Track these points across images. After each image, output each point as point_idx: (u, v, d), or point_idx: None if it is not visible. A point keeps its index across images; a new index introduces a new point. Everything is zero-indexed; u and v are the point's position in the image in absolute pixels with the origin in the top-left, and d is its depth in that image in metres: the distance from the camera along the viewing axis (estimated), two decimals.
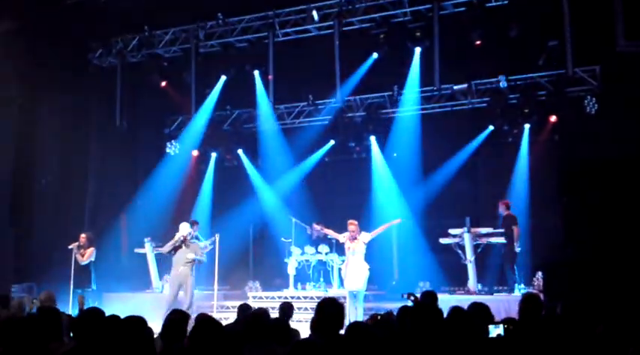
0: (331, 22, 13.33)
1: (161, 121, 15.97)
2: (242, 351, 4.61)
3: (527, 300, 5.49)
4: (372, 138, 14.57)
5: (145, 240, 13.67)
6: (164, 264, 13.96)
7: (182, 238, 11.12)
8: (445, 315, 5.07)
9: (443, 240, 12.08)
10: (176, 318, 5.19)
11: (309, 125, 15.15)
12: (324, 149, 15.15)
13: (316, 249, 13.89)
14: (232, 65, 14.55)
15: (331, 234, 11.80)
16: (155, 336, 4.71)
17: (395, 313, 6.07)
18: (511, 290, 11.69)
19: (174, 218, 14.58)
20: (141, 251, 13.80)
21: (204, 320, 4.59)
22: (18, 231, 13.91)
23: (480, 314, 5.24)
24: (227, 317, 11.07)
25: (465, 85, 13.43)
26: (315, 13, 13.39)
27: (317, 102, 14.68)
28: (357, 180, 14.94)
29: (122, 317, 4.70)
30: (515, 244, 11.78)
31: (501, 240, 11.74)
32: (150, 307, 11.52)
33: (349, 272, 10.75)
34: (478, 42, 12.34)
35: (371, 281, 11.31)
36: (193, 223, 13.53)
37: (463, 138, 14.02)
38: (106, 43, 15.05)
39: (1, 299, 8.26)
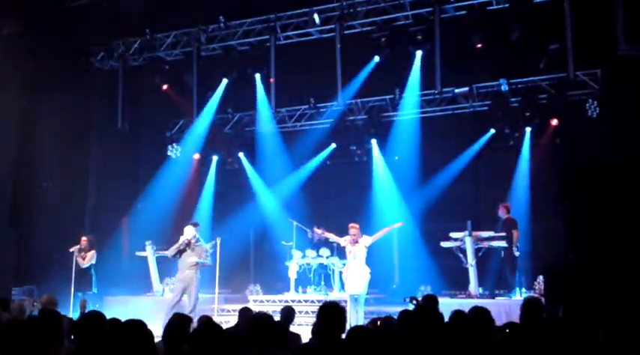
0: (333, 26, 13.34)
1: (162, 124, 15.97)
2: None
3: (528, 304, 5.48)
4: (374, 142, 14.56)
5: (146, 243, 13.67)
6: (165, 267, 13.97)
7: (186, 241, 11.13)
8: (446, 319, 5.05)
9: (444, 244, 12.07)
10: (178, 321, 5.19)
11: (311, 128, 15.14)
12: (326, 152, 15.14)
13: (317, 252, 13.88)
14: (234, 68, 14.57)
15: (332, 237, 11.80)
16: (157, 340, 4.70)
17: (395, 317, 6.07)
18: (511, 294, 11.68)
19: (175, 221, 14.59)
20: (142, 254, 13.80)
21: (205, 323, 4.58)
22: (19, 233, 13.93)
23: (481, 318, 5.22)
24: (228, 320, 11.05)
25: (466, 88, 13.42)
26: (316, 17, 13.41)
27: (318, 105, 14.68)
28: (358, 184, 14.93)
29: (123, 320, 4.70)
30: (514, 248, 11.77)
31: (502, 243, 11.73)
32: (151, 310, 11.52)
33: (350, 276, 10.74)
34: (479, 45, 12.34)
35: (372, 285, 11.29)
36: (194, 225, 13.55)
37: (464, 142, 14.01)
38: (107, 46, 15.08)
39: (1, 302, 8.24)
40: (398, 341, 4.85)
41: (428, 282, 12.94)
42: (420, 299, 7.88)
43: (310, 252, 13.97)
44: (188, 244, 11.15)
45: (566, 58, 11.83)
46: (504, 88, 12.96)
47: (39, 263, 13.79)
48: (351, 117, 14.62)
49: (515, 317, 6.38)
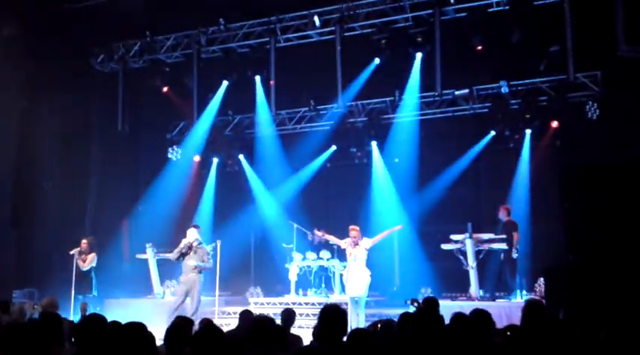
0: (333, 28, 13.34)
1: (163, 126, 15.97)
2: None
3: (529, 307, 5.48)
4: (374, 144, 14.55)
5: (147, 245, 13.67)
6: (166, 269, 13.97)
7: (189, 244, 11.14)
8: (447, 322, 5.05)
9: (444, 246, 12.06)
10: (180, 324, 5.19)
11: (311, 130, 15.14)
12: (326, 155, 15.13)
13: (318, 254, 13.88)
14: (234, 70, 14.58)
15: (333, 239, 11.80)
16: (159, 343, 4.70)
17: (396, 320, 6.06)
18: (511, 296, 11.66)
19: (176, 223, 14.60)
20: (142, 256, 13.79)
21: (206, 326, 4.58)
22: (19, 236, 13.94)
23: (482, 320, 5.22)
24: (228, 323, 11.05)
25: (467, 91, 13.41)
26: (316, 19, 13.42)
27: (319, 107, 14.68)
28: (358, 186, 14.92)
29: (123, 323, 4.70)
30: (513, 250, 11.77)
31: (503, 246, 11.71)
32: (151, 313, 11.51)
33: (350, 278, 10.73)
34: (479, 47, 12.34)
35: (372, 288, 11.28)
36: (194, 227, 13.55)
37: (464, 144, 14.00)
38: (108, 48, 15.09)
39: (1, 304, 8.24)
40: (399, 344, 4.85)
41: (429, 284, 12.93)
42: (420, 301, 7.87)
43: (311, 255, 13.97)
44: (190, 247, 11.15)
45: (566, 60, 11.84)
46: (504, 89, 12.95)
47: (39, 265, 13.80)
48: (351, 120, 14.61)
49: (516, 320, 6.38)
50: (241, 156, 15.69)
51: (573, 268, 9.85)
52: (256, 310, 10.87)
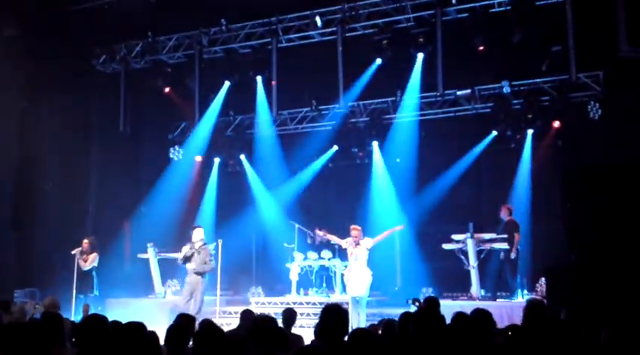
0: (334, 28, 13.36)
1: (164, 127, 15.99)
2: None
3: (531, 306, 5.47)
4: (375, 144, 14.55)
5: (148, 245, 13.68)
6: (167, 269, 13.98)
7: (191, 251, 11.18)
8: (448, 321, 5.04)
9: (446, 246, 12.05)
10: (181, 324, 5.19)
11: (313, 131, 15.14)
12: (328, 155, 15.13)
13: (319, 254, 13.88)
14: (236, 71, 14.59)
15: (334, 239, 11.81)
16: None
17: (396, 319, 6.06)
18: (512, 296, 11.65)
19: (177, 223, 14.63)
20: (144, 256, 13.81)
21: (207, 326, 4.58)
22: (20, 236, 13.95)
23: (483, 320, 5.21)
24: (229, 322, 11.06)
25: (468, 91, 13.41)
26: (318, 19, 13.42)
27: (320, 107, 14.68)
28: (359, 186, 14.91)
29: (124, 322, 4.70)
30: (513, 250, 11.75)
31: (504, 245, 11.71)
32: (153, 312, 11.52)
33: (352, 278, 10.74)
34: (481, 47, 12.34)
35: (374, 287, 11.28)
36: (196, 228, 13.56)
37: (466, 144, 13.99)
38: (109, 49, 15.10)
39: (2, 304, 8.24)
40: (399, 343, 4.84)
41: (430, 284, 12.93)
42: (421, 301, 7.87)
43: (312, 254, 13.97)
44: (193, 253, 11.26)
45: (568, 60, 11.84)
46: (506, 90, 12.95)
47: (40, 265, 13.81)
48: (353, 120, 14.61)
49: (517, 320, 6.37)
50: (243, 157, 15.70)
51: (575, 268, 9.84)
52: (257, 310, 10.86)
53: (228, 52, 14.41)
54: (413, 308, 7.83)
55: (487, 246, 11.83)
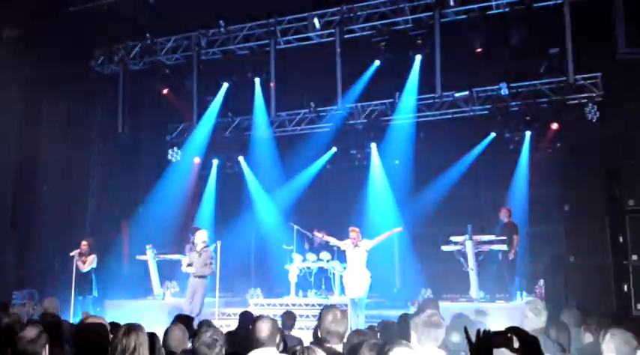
0: (332, 30, 13.35)
1: (163, 128, 15.99)
2: None
3: (530, 308, 5.45)
4: (373, 146, 14.56)
5: (147, 246, 13.66)
6: (166, 270, 13.98)
7: (194, 253, 11.27)
8: (447, 323, 5.03)
9: (445, 248, 12.06)
10: (178, 325, 5.19)
11: (311, 132, 15.15)
12: (326, 156, 15.14)
13: (318, 256, 13.88)
14: (234, 72, 14.59)
15: (332, 241, 11.81)
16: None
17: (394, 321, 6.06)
18: (510, 299, 11.66)
19: (176, 225, 14.63)
20: (142, 258, 13.79)
21: (206, 327, 4.58)
22: (19, 237, 13.92)
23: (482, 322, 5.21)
24: (228, 324, 11.06)
25: (467, 93, 13.42)
26: (316, 21, 13.43)
27: (318, 109, 14.69)
28: (358, 188, 14.92)
29: (123, 324, 4.69)
30: (511, 253, 11.76)
31: (503, 247, 11.72)
32: (151, 314, 11.51)
33: (350, 280, 10.74)
34: (479, 49, 12.35)
35: (373, 289, 11.30)
36: (195, 230, 13.56)
37: (464, 146, 14.01)
38: (107, 50, 15.09)
39: (0, 306, 8.24)
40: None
41: (429, 286, 12.94)
42: (420, 302, 7.87)
43: (310, 256, 13.97)
44: (196, 250, 11.29)
45: (566, 62, 11.84)
46: (504, 92, 12.96)
47: (39, 266, 13.78)
48: (351, 122, 14.63)
49: (516, 321, 6.37)
50: (241, 158, 15.70)
51: (573, 270, 9.87)
52: (256, 311, 10.87)
53: (226, 54, 14.41)
54: (412, 310, 7.83)
55: (486, 247, 11.84)
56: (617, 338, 4.20)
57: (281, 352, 4.72)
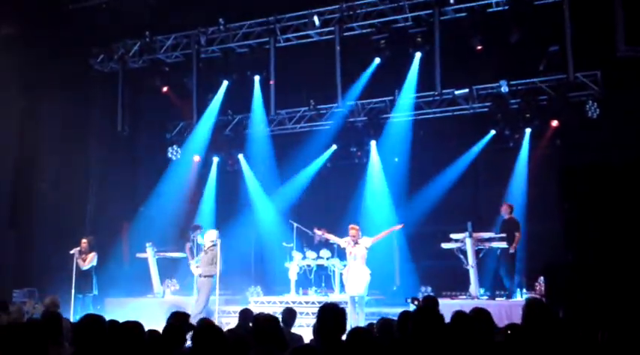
0: (332, 28, 13.36)
1: (162, 126, 15.97)
2: None
3: (530, 306, 5.46)
4: (373, 143, 14.56)
5: (147, 244, 13.66)
6: (166, 269, 13.98)
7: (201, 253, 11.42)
8: (447, 320, 5.05)
9: (445, 245, 12.06)
10: (176, 323, 5.20)
11: (311, 130, 15.14)
12: (327, 154, 15.13)
13: (318, 253, 13.88)
14: (234, 70, 14.59)
15: (333, 238, 11.82)
16: None
17: (394, 318, 6.06)
18: (512, 296, 11.66)
19: (176, 223, 14.63)
20: (142, 256, 13.80)
21: (205, 326, 4.59)
22: (19, 235, 13.93)
23: (482, 319, 5.22)
24: (228, 322, 11.06)
25: (466, 90, 13.42)
26: (316, 19, 13.42)
27: (318, 107, 14.69)
28: (358, 185, 14.92)
29: (122, 322, 4.70)
30: (511, 249, 11.75)
31: (503, 244, 11.71)
32: (152, 312, 11.51)
33: (350, 277, 10.75)
34: (479, 47, 12.35)
35: (372, 286, 11.30)
36: (196, 227, 13.59)
37: (464, 143, 14.01)
38: (107, 48, 15.09)
39: (0, 304, 8.24)
40: (398, 343, 4.84)
41: (428, 283, 12.94)
42: (420, 300, 7.88)
43: (311, 254, 13.97)
44: (205, 250, 11.38)
45: (566, 60, 11.85)
46: (504, 89, 12.96)
47: (39, 265, 13.80)
48: (351, 119, 14.62)
49: (516, 319, 6.38)
50: (241, 156, 15.70)
51: (573, 267, 9.85)
52: (256, 309, 10.87)
53: (225, 52, 14.41)
54: (412, 307, 7.83)
55: (486, 245, 11.84)
56: None
57: (281, 350, 4.72)
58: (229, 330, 5.65)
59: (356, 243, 10.74)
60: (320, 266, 13.94)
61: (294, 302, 12.68)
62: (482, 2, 12.29)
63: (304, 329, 8.74)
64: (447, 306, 7.60)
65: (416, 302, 7.51)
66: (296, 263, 13.85)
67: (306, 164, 15.29)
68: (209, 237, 11.49)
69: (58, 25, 13.86)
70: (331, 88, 13.42)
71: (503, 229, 11.98)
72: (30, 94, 14.07)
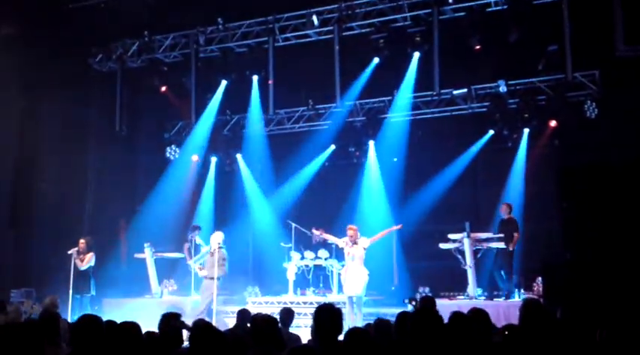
0: (331, 27, 13.35)
1: (161, 126, 15.95)
2: None
3: (527, 306, 5.46)
4: (371, 143, 14.55)
5: (145, 245, 13.64)
6: (163, 269, 13.96)
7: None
8: (445, 321, 5.04)
9: (442, 245, 12.06)
10: (173, 324, 5.19)
11: (309, 130, 15.13)
12: (325, 154, 15.12)
13: (316, 254, 13.87)
14: (232, 70, 14.58)
15: (331, 239, 11.81)
16: None
17: (391, 319, 6.06)
18: (509, 296, 11.65)
19: (174, 223, 14.61)
20: (140, 256, 13.78)
21: (202, 326, 4.57)
22: (17, 235, 13.92)
23: (480, 319, 5.21)
24: (226, 322, 11.05)
25: (465, 90, 13.41)
26: (314, 18, 13.42)
27: (317, 106, 14.68)
28: (356, 185, 14.91)
29: (119, 322, 4.69)
30: (510, 244, 11.73)
31: (501, 245, 11.70)
32: (150, 312, 11.47)
33: (348, 278, 10.74)
34: (478, 47, 12.35)
35: (370, 287, 11.29)
36: (195, 228, 13.57)
37: (463, 143, 14.00)
38: (106, 48, 15.07)
39: None
40: (396, 343, 4.83)
41: (426, 284, 12.93)
42: (418, 300, 7.88)
43: (309, 254, 13.96)
44: (211, 251, 11.38)
45: (565, 60, 11.85)
46: (503, 89, 12.96)
47: (37, 265, 13.78)
48: (350, 119, 14.61)
49: (514, 319, 6.38)
50: (239, 156, 15.68)
51: (571, 267, 9.85)
52: (254, 309, 10.86)
53: (224, 51, 14.39)
54: (410, 308, 7.83)
55: (484, 245, 11.84)
56: None
57: (279, 350, 4.71)
58: (227, 330, 5.64)
59: (354, 243, 10.73)
60: (318, 267, 13.93)
61: (292, 303, 12.66)
62: (481, 2, 12.29)
63: (302, 329, 8.73)
64: (445, 307, 7.61)
65: (414, 303, 7.50)
66: (294, 263, 13.84)
67: (305, 164, 15.28)
68: (215, 239, 11.45)
69: (58, 25, 13.85)
70: (330, 87, 13.41)
71: (501, 229, 11.96)
72: (30, 94, 14.05)
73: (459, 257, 11.83)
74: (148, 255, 13.64)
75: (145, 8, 14.03)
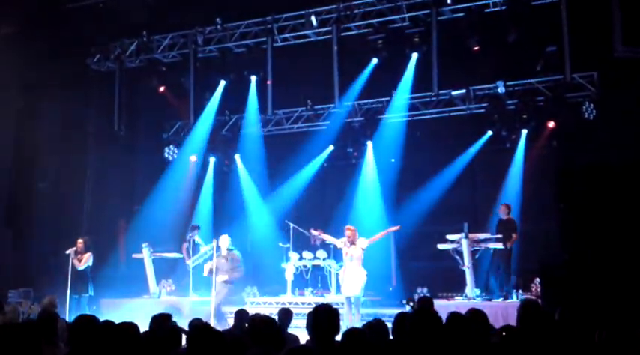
0: (329, 28, 13.37)
1: (159, 126, 15.94)
2: None
3: (525, 307, 5.46)
4: (369, 144, 14.55)
5: (143, 245, 13.63)
6: (162, 269, 13.95)
7: (220, 260, 11.39)
8: (443, 321, 5.04)
9: (441, 246, 12.05)
10: (154, 327, 5.18)
11: (308, 130, 15.13)
12: (324, 155, 15.12)
13: (314, 254, 13.87)
14: (231, 70, 14.58)
15: (329, 239, 11.80)
16: None
17: (383, 320, 6.06)
18: (507, 297, 11.65)
19: (172, 223, 14.60)
20: (138, 256, 13.76)
21: (200, 327, 4.57)
22: (15, 235, 13.91)
23: (478, 320, 5.21)
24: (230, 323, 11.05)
25: (463, 91, 13.42)
26: (313, 19, 13.42)
27: (315, 107, 14.68)
28: (354, 186, 14.91)
29: (118, 322, 4.69)
30: (508, 244, 11.72)
31: (499, 245, 11.69)
32: (148, 312, 11.44)
33: (346, 278, 10.74)
34: (476, 48, 12.36)
35: (368, 287, 11.28)
36: (194, 228, 13.56)
37: (461, 144, 14.00)
38: (104, 47, 15.07)
39: None
40: (394, 343, 4.83)
41: (425, 284, 12.94)
42: (416, 300, 7.88)
43: (307, 254, 13.96)
44: (223, 255, 11.38)
45: (563, 61, 11.87)
46: (501, 90, 12.96)
47: (35, 265, 13.78)
48: (348, 120, 14.61)
49: (512, 320, 6.38)
50: (237, 156, 15.68)
51: (569, 267, 9.87)
52: (253, 309, 10.85)
53: (223, 52, 14.39)
54: (408, 308, 7.84)
55: (482, 245, 11.84)
56: None
57: (277, 350, 4.71)
58: (225, 331, 5.63)
59: (352, 243, 10.72)
60: (316, 267, 13.93)
61: (290, 303, 12.66)
62: (480, 2, 12.31)
63: (300, 329, 8.73)
64: (443, 307, 7.62)
65: (411, 303, 7.50)
66: (292, 263, 13.84)
67: (303, 164, 15.27)
68: (224, 242, 11.47)
69: (57, 25, 13.85)
70: (328, 88, 13.43)
71: (500, 229, 11.94)
72: (28, 94, 14.05)
73: (457, 257, 11.83)
74: (145, 255, 13.63)
75: (144, 8, 14.02)
